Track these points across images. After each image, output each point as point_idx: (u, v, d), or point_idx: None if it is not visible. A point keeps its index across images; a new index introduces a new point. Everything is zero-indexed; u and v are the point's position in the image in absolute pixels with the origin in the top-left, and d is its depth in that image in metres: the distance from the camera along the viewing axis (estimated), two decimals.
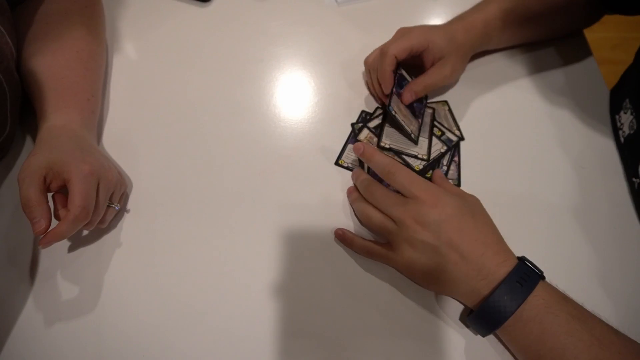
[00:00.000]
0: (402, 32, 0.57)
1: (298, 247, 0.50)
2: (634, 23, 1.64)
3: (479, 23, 0.58)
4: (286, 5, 0.71)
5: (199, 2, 0.71)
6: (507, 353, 0.44)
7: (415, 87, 0.55)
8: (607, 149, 0.56)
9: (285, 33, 0.68)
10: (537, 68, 0.64)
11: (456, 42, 0.56)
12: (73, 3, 0.58)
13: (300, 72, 0.64)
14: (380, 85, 0.56)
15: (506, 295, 0.40)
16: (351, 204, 0.51)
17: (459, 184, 0.53)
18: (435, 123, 0.58)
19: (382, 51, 0.55)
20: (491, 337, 0.44)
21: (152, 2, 0.71)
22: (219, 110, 0.60)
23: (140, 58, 0.65)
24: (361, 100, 0.61)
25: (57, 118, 0.50)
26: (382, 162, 0.48)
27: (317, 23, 0.69)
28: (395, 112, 0.53)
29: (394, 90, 0.54)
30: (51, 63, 0.53)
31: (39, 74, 0.53)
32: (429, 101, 0.60)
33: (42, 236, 0.42)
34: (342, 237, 0.49)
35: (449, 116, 0.58)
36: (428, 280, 0.45)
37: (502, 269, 0.41)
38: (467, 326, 0.45)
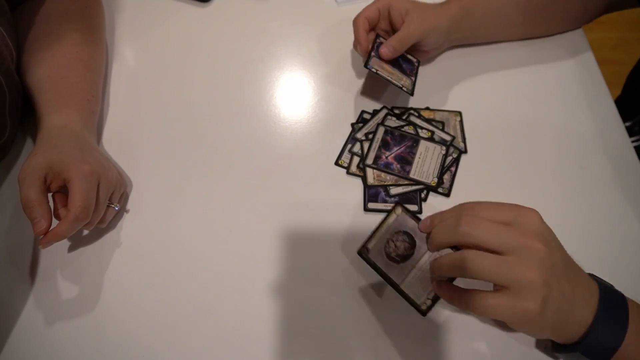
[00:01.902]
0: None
1: (298, 247, 0.50)
2: (634, 23, 1.65)
3: (457, 5, 0.59)
4: (286, 5, 0.71)
5: (199, 2, 0.71)
6: (506, 354, 0.44)
7: (391, 42, 0.57)
8: (608, 150, 0.56)
9: (285, 33, 0.68)
10: (535, 68, 0.64)
11: (423, 4, 0.59)
12: (73, 4, 0.58)
13: (300, 72, 0.64)
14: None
15: (610, 320, 0.38)
16: (435, 265, 0.41)
17: (448, 194, 0.53)
18: (433, 123, 0.58)
19: (355, 17, 0.60)
20: (491, 337, 0.44)
21: (152, 2, 0.71)
22: (219, 110, 0.60)
23: (140, 58, 0.65)
24: (361, 100, 0.61)
25: (57, 118, 0.50)
26: (452, 210, 0.41)
27: (317, 23, 0.69)
28: (377, 70, 0.55)
29: (373, 53, 0.57)
30: (51, 64, 0.53)
31: (39, 75, 0.53)
32: (441, 108, 0.60)
33: (42, 236, 0.42)
34: (451, 295, 0.40)
35: (458, 127, 0.58)
36: (554, 320, 0.37)
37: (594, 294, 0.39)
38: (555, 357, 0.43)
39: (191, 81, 0.63)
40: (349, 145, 0.57)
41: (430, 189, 0.53)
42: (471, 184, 0.54)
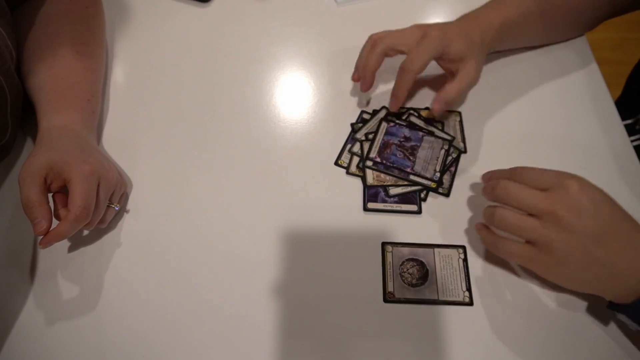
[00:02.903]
0: (416, 36, 0.53)
1: (298, 247, 0.50)
2: (634, 23, 1.65)
3: (496, 24, 0.55)
4: (286, 6, 0.71)
5: (199, 2, 0.71)
6: (505, 355, 0.44)
7: (446, 97, 0.53)
8: (608, 150, 0.56)
9: (285, 33, 0.68)
10: (535, 69, 0.64)
11: (474, 43, 0.53)
12: (73, 4, 0.58)
13: (300, 72, 0.64)
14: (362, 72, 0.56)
15: None
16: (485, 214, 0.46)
17: (448, 195, 0.53)
18: (433, 123, 0.58)
19: (374, 41, 0.54)
20: (490, 340, 0.44)
21: (152, 2, 0.71)
22: (219, 110, 0.60)
23: (140, 58, 0.65)
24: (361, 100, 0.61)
25: (57, 119, 0.50)
26: (506, 171, 0.46)
27: (317, 23, 0.69)
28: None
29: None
30: (51, 64, 0.54)
31: (39, 76, 0.53)
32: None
33: (42, 236, 0.43)
34: (485, 237, 0.46)
35: (457, 127, 0.58)
36: (582, 278, 0.42)
37: None
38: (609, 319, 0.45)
39: (191, 81, 0.63)
40: (349, 146, 0.57)
41: (429, 189, 0.53)
42: (470, 184, 0.54)
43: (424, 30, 0.53)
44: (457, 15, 0.58)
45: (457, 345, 0.44)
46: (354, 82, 0.60)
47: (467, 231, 0.51)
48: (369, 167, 0.54)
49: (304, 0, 0.72)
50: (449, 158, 0.55)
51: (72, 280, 0.48)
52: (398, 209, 0.52)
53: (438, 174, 0.53)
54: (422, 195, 0.53)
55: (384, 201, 0.52)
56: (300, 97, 0.62)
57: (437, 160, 0.54)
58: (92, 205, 0.44)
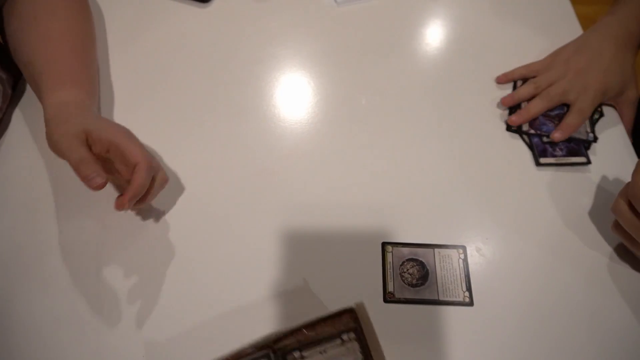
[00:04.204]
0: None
1: (298, 246, 0.50)
2: None
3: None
4: (286, 6, 0.71)
5: (198, 2, 0.71)
6: (505, 355, 0.44)
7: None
8: (608, 150, 0.57)
9: (285, 33, 0.68)
10: None
11: (626, 75, 0.57)
12: None
13: (300, 72, 0.64)
14: None
15: None
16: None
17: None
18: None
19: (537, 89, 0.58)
20: (490, 340, 0.45)
21: (152, 2, 0.71)
22: (219, 111, 0.60)
23: (139, 58, 0.65)
24: (361, 100, 0.61)
25: (64, 95, 0.50)
26: None
27: (316, 23, 0.69)
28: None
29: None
30: (47, 44, 0.53)
31: (37, 56, 0.52)
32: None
33: (119, 198, 0.43)
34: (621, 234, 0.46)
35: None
36: None
37: None
38: None
39: (191, 81, 0.63)
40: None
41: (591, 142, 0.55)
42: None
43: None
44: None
45: (457, 345, 0.44)
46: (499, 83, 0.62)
47: (467, 231, 0.51)
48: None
49: (304, 0, 0.72)
50: (594, 117, 0.57)
51: (72, 280, 0.48)
52: (568, 161, 0.54)
53: (592, 134, 0.56)
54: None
55: (553, 155, 0.54)
56: (300, 97, 0.62)
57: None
58: (150, 158, 0.44)
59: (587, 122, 0.57)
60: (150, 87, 0.62)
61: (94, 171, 0.42)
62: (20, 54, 0.54)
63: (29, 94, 0.60)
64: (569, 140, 0.56)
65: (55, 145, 0.45)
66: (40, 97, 0.51)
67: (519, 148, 0.57)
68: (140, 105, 0.61)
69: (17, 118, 0.59)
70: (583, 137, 0.56)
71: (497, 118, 0.59)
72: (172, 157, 0.56)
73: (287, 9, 0.71)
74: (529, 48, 0.65)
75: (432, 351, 0.44)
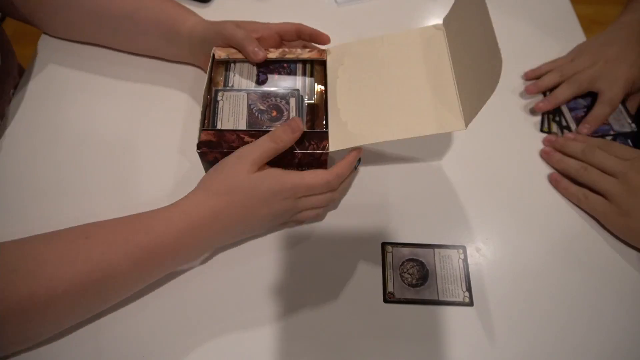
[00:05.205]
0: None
1: (297, 247, 0.50)
2: None
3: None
4: (286, 6, 0.71)
5: (198, 2, 0.71)
6: (505, 355, 0.44)
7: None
8: None
9: None
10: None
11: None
12: None
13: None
14: None
15: None
16: (555, 164, 0.55)
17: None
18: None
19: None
20: (490, 340, 0.44)
21: None
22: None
23: (139, 58, 0.65)
24: None
25: (194, 17, 0.59)
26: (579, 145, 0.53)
27: (317, 23, 0.69)
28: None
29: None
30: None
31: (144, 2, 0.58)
32: None
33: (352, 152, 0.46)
34: (557, 183, 0.53)
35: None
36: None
37: None
38: None
39: (191, 81, 0.63)
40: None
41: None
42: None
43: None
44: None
45: (457, 346, 0.44)
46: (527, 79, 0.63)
47: (467, 231, 0.51)
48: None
49: (304, 0, 0.72)
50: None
51: None
52: None
53: (634, 124, 0.56)
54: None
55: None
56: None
57: (621, 113, 0.58)
58: None
59: (625, 113, 0.57)
60: (149, 87, 0.62)
61: (256, 46, 0.51)
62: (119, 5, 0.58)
63: (30, 87, 0.60)
64: (615, 137, 0.56)
65: (220, 33, 0.53)
66: (172, 31, 0.58)
67: (519, 148, 0.57)
68: (140, 105, 0.60)
69: (21, 109, 0.59)
70: (627, 129, 0.56)
71: (497, 117, 0.59)
72: (171, 157, 0.56)
73: (287, 9, 0.71)
74: (530, 48, 0.65)
75: (432, 351, 0.44)
